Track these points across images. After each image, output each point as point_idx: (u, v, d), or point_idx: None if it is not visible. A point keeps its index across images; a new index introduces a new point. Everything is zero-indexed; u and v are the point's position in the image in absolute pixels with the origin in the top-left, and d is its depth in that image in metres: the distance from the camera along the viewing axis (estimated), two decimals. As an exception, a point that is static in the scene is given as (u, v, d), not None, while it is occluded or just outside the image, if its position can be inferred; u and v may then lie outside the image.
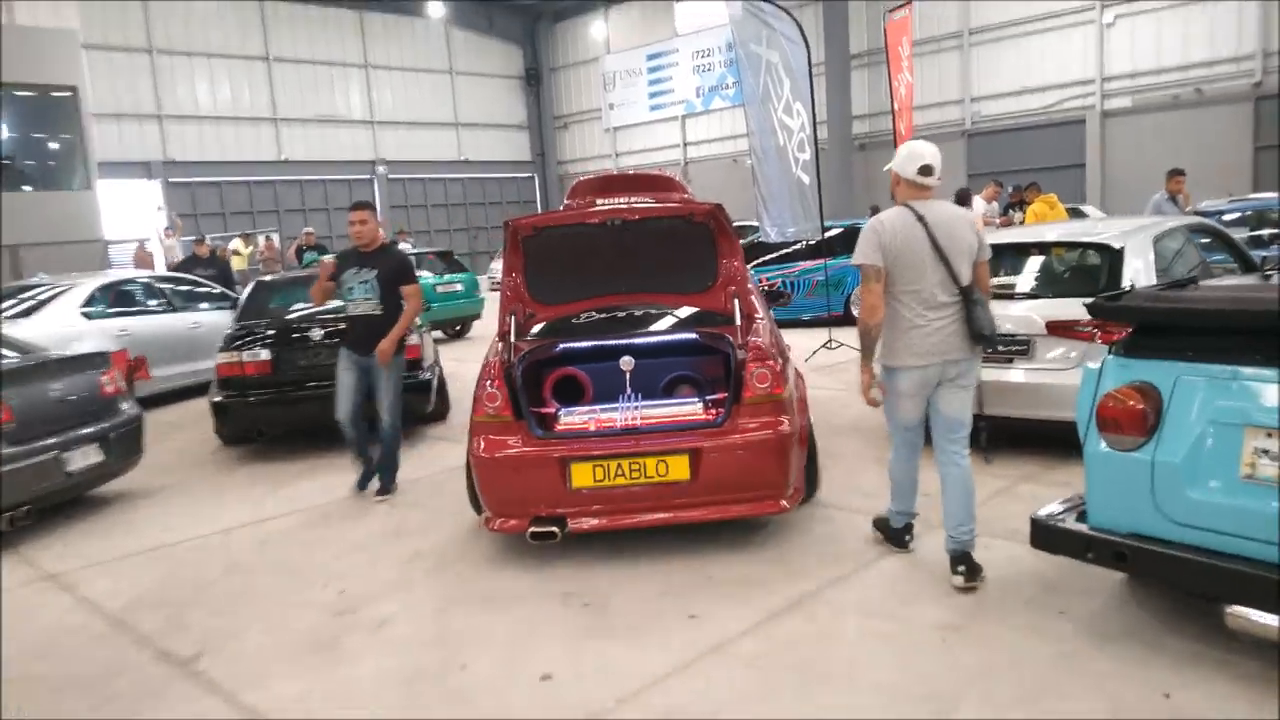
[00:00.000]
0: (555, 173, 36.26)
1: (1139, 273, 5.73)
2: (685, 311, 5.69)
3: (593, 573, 4.54)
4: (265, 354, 7.33)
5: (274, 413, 7.36)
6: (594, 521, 4.57)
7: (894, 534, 4.57)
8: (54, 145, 23.16)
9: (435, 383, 8.01)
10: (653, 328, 5.58)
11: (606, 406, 4.95)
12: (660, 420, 4.74)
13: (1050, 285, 6.20)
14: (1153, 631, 3.52)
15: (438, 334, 14.37)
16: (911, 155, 4.12)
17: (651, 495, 4.55)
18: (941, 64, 25.10)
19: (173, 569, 5.10)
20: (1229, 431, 3.06)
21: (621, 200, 5.79)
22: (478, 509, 5.06)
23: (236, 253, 22.89)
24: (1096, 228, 6.62)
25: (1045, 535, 3.50)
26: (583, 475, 4.51)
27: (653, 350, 5.33)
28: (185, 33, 27.79)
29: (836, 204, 24.26)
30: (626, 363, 5.01)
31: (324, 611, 4.31)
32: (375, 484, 6.28)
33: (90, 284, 10.05)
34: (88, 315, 9.75)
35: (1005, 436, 6.12)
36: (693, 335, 5.34)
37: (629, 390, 5.01)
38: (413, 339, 7.56)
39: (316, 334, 7.42)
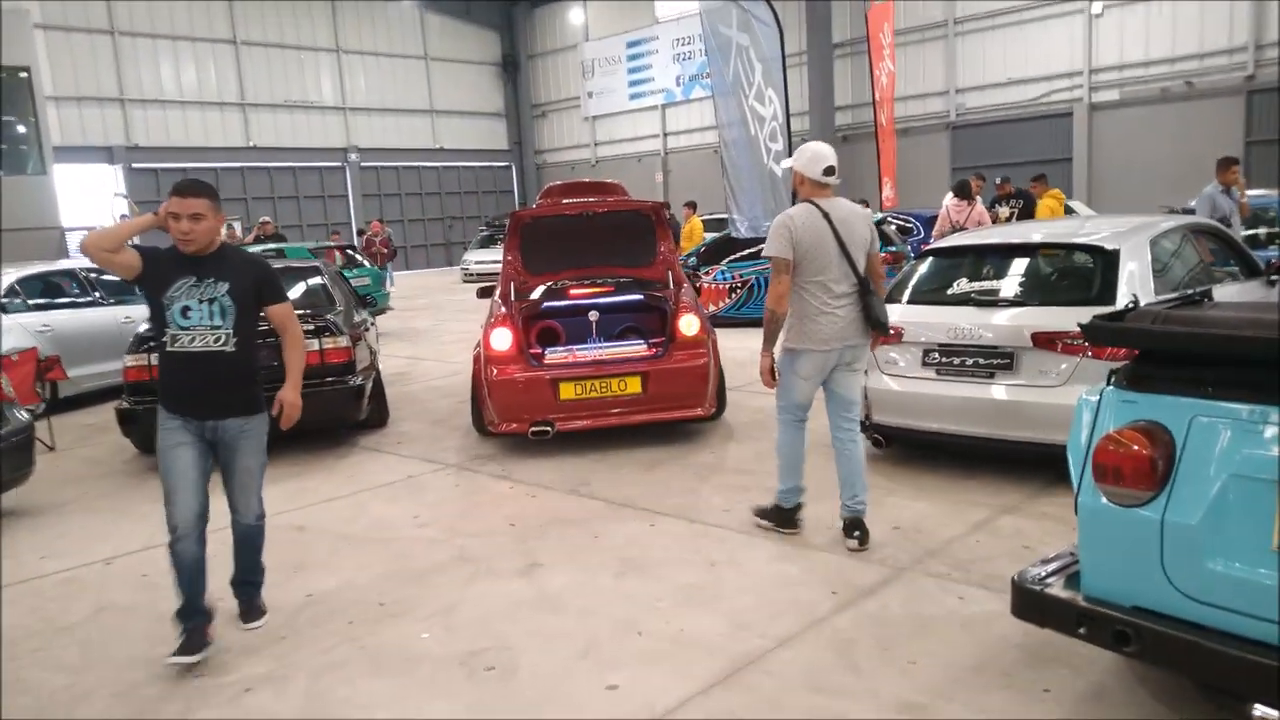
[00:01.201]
0: (533, 162, 35.51)
1: (1135, 277, 5.15)
2: (630, 279, 7.71)
3: (503, 633, 3.91)
4: (176, 357, 6.64)
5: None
6: (578, 424, 6.55)
7: (785, 515, 4.75)
8: (7, 129, 22.24)
9: (370, 387, 7.35)
10: (610, 291, 7.50)
11: (580, 346, 6.97)
12: (619, 355, 6.76)
13: (1037, 291, 5.60)
14: None
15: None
16: (816, 157, 4.50)
17: (616, 404, 6.55)
18: (926, 54, 24.49)
19: (35, 607, 4.45)
20: (1258, 488, 2.46)
21: (584, 199, 8.05)
22: (479, 426, 6.93)
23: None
24: (1087, 227, 6.02)
25: (1029, 604, 2.90)
26: (568, 390, 6.49)
27: (611, 307, 7.32)
28: (149, 13, 26.90)
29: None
30: (594, 315, 7.08)
31: (181, 674, 3.65)
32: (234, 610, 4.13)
33: (9, 276, 9.32)
34: (3, 310, 9.04)
35: (985, 460, 5.53)
36: (640, 296, 7.34)
37: (595, 334, 7.09)
38: (341, 340, 6.92)
39: (234, 335, 6.73)
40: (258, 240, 17.36)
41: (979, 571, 4.11)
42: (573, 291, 7.49)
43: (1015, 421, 5.16)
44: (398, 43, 32.41)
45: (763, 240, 12.02)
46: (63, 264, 10.38)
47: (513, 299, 7.29)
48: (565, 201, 8.07)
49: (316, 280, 7.82)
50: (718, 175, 14.08)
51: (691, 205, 16.29)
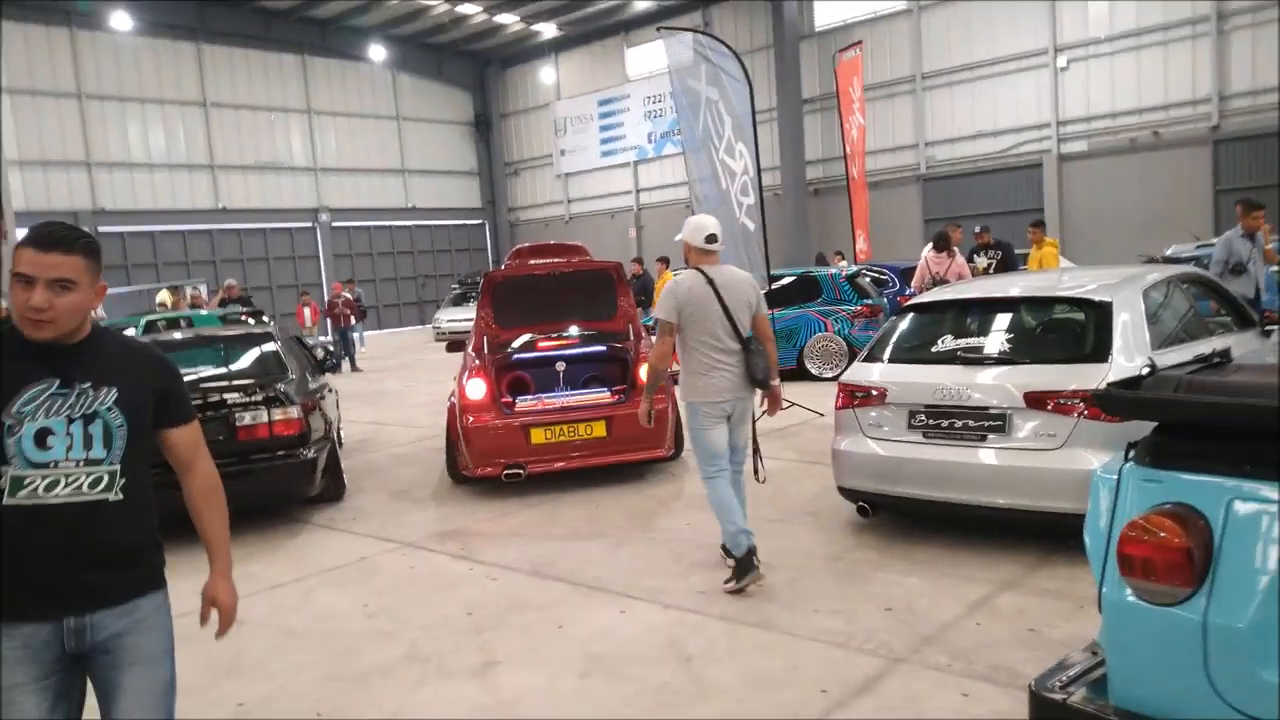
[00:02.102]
0: (506, 219, 35.36)
1: (1129, 329, 4.85)
2: (594, 332, 8.26)
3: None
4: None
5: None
6: (549, 465, 7.04)
7: (743, 564, 4.69)
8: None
9: (324, 459, 6.91)
10: (576, 344, 8.10)
11: (548, 394, 7.56)
12: (585, 402, 7.29)
13: (1026, 347, 5.29)
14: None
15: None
16: (698, 227, 4.91)
17: (583, 447, 7.06)
18: (895, 108, 24.64)
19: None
20: (1316, 585, 2.10)
21: (549, 260, 8.64)
22: (453, 473, 7.40)
23: (162, 305, 21.65)
24: (1073, 279, 5.74)
25: (1053, 717, 2.51)
26: (539, 435, 6.99)
27: (576, 358, 7.95)
28: (117, 76, 26.68)
29: (791, 250, 23.61)
30: (560, 366, 7.74)
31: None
32: None
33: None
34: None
35: (977, 529, 5.16)
36: (603, 347, 8.00)
37: (562, 384, 7.71)
38: (291, 411, 6.50)
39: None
40: (223, 304, 16.94)
41: (982, 661, 3.72)
42: (541, 344, 7.98)
43: (1009, 487, 4.81)
44: (369, 103, 32.32)
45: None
46: None
47: (485, 351, 7.75)
48: (533, 262, 8.64)
49: (269, 346, 7.40)
50: (690, 230, 13.89)
51: (664, 260, 16.06)
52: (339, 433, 9.69)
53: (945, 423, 5.04)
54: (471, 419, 7.02)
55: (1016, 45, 22.22)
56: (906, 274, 14.93)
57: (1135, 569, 2.34)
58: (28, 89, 25.01)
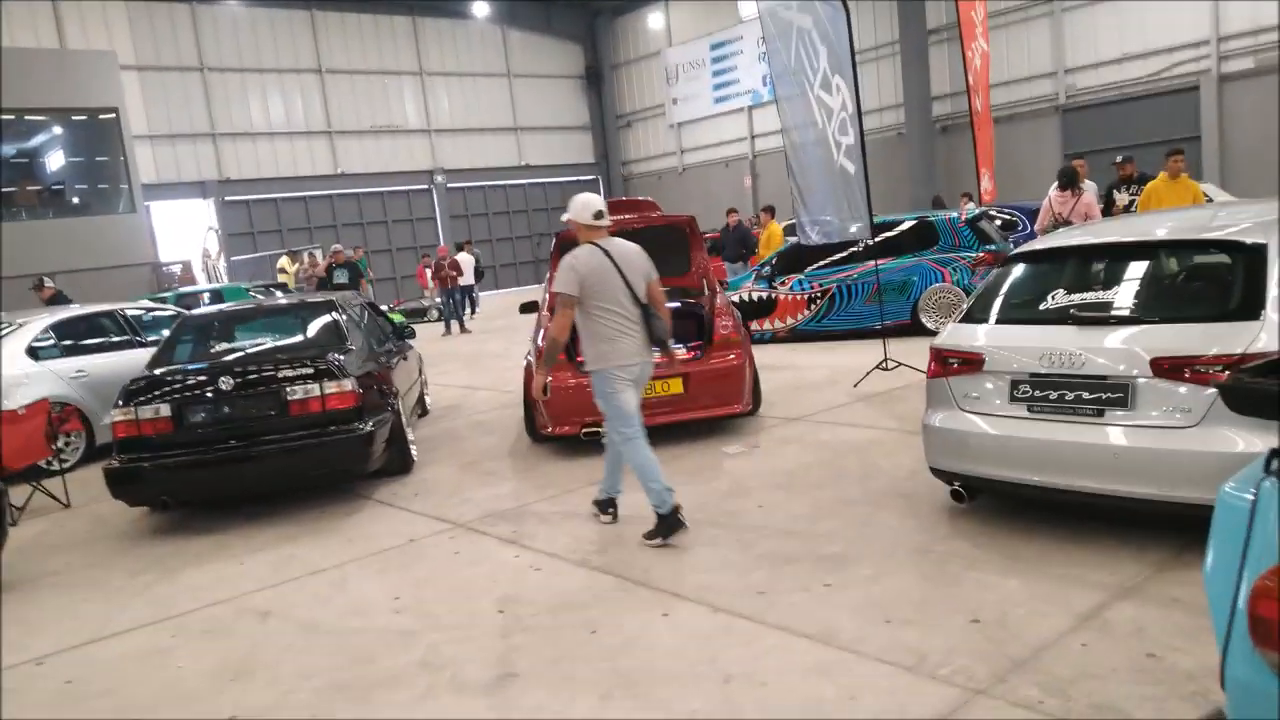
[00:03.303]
0: (620, 173, 34.80)
1: (1289, 280, 3.91)
2: (668, 288, 7.28)
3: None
4: (166, 410, 6.03)
5: (176, 480, 6.05)
6: None
7: (668, 522, 4.93)
8: (98, 169, 22.79)
9: (386, 432, 6.59)
10: None
11: None
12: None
13: (1158, 304, 4.39)
14: None
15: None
16: (585, 205, 5.13)
17: (661, 404, 6.78)
18: (1029, 33, 22.67)
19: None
20: None
21: (619, 216, 7.82)
22: (531, 432, 7.50)
23: (283, 270, 22.17)
24: (1222, 217, 4.75)
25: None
26: None
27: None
28: (236, 48, 27.33)
29: (918, 195, 22.26)
30: None
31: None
32: None
33: (40, 322, 8.99)
34: (36, 356, 8.71)
35: (1096, 520, 4.37)
36: (678, 304, 7.47)
37: None
38: (345, 384, 6.19)
39: (226, 383, 6.09)
40: (329, 269, 17.09)
41: (1083, 698, 3.00)
42: None
43: (1133, 473, 3.99)
44: (480, 61, 32.21)
45: (837, 247, 11.03)
46: (105, 305, 10.02)
47: None
48: None
49: (328, 316, 7.11)
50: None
51: (770, 210, 15.18)
52: (424, 399, 9.48)
53: (1055, 394, 4.24)
54: (550, 378, 6.78)
55: (1168, -46, 20.01)
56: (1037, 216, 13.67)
57: (1273, 637, 1.63)
58: (154, 65, 25.88)
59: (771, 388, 8.84)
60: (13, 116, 20.47)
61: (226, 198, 27.26)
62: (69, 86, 21.04)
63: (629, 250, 5.17)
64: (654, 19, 32.34)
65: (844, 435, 6.84)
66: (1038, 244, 5.11)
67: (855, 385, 8.53)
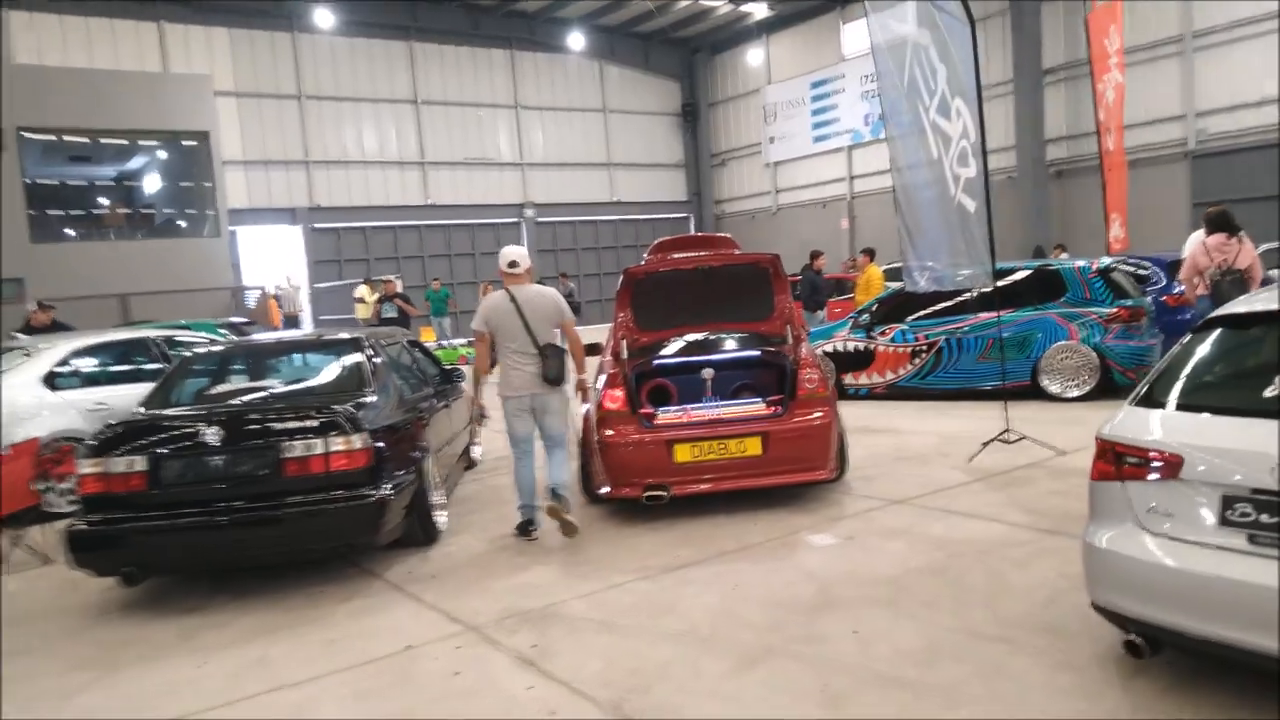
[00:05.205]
0: (711, 212, 33.80)
1: None
2: (746, 334, 7.27)
3: None
4: (140, 463, 5.09)
5: (147, 549, 5.09)
6: (696, 487, 6.10)
7: (522, 528, 6.01)
8: (189, 193, 22.85)
9: (405, 499, 5.56)
10: (725, 348, 7.13)
11: (694, 405, 6.53)
12: (736, 414, 6.29)
13: None
14: None
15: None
16: (504, 255, 5.99)
17: (734, 467, 6.11)
18: (1156, 74, 20.85)
19: None
20: None
21: (695, 253, 7.53)
22: (587, 491, 6.53)
23: (361, 300, 21.63)
24: None
25: None
26: (684, 453, 6.08)
27: (726, 364, 6.95)
28: (334, 78, 27.38)
29: (1027, 240, 20.58)
30: (708, 373, 6.75)
31: None
32: None
33: (62, 347, 8.30)
34: (55, 385, 8.01)
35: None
36: (757, 352, 6.92)
37: (710, 393, 6.72)
38: (354, 440, 5.18)
39: (213, 435, 5.13)
40: (381, 301, 16.40)
41: None
42: (686, 348, 7.16)
43: None
44: (576, 96, 31.74)
45: (948, 295, 9.68)
46: (139, 332, 9.33)
47: (625, 355, 6.85)
48: (677, 256, 7.54)
49: (351, 357, 6.14)
50: (902, 218, 11.64)
51: (869, 252, 13.87)
52: (471, 450, 8.49)
53: (1293, 522, 2.92)
54: (610, 432, 6.21)
55: (1320, -12, 18.13)
56: (1176, 268, 12.04)
57: None
58: (253, 92, 26.04)
59: (868, 455, 7.58)
60: (103, 140, 20.66)
61: (315, 225, 27.18)
62: (163, 109, 21.15)
63: (535, 296, 5.90)
64: (754, 56, 31.43)
65: (961, 529, 5.52)
66: (1242, 305, 3.76)
67: (970, 460, 7.18)
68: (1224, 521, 3.09)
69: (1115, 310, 9.49)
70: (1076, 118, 22.29)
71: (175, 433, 5.23)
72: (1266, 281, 8.84)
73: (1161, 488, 3.26)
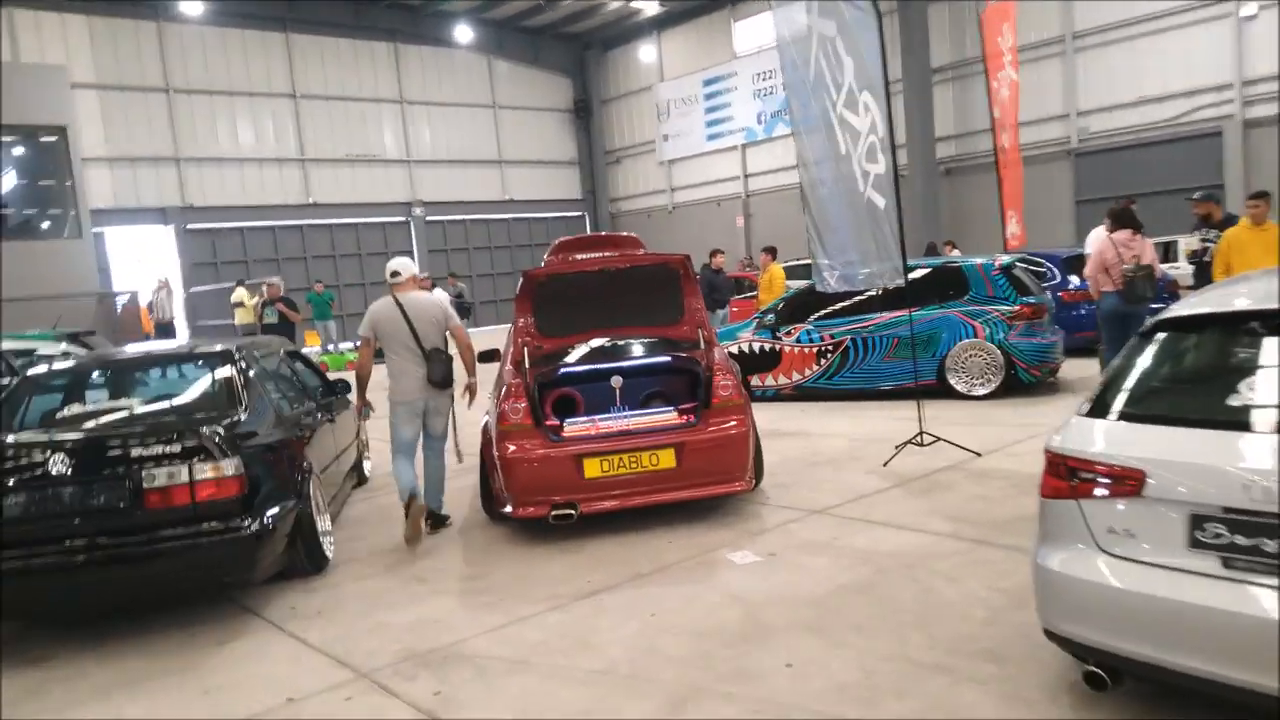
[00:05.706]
0: (607, 211, 33.48)
1: None
2: (656, 340, 6.83)
3: None
4: (-32, 499, 4.40)
5: (-20, 597, 4.41)
6: (606, 504, 5.75)
7: (406, 508, 5.97)
8: (46, 192, 21.20)
9: (285, 528, 4.99)
10: (634, 354, 6.68)
11: (603, 416, 6.14)
12: (648, 424, 5.98)
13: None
14: None
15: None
16: (389, 266, 6.28)
17: (647, 481, 5.78)
18: (1041, 74, 21.47)
19: None
20: None
21: (598, 254, 7.15)
22: (488, 509, 6.27)
23: (239, 304, 20.44)
24: None
25: None
26: (593, 468, 5.73)
27: (635, 371, 6.54)
28: (205, 70, 25.91)
29: (919, 238, 20.87)
30: (616, 381, 6.26)
31: None
32: None
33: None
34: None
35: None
36: (668, 358, 6.54)
37: (619, 403, 6.24)
38: (224, 466, 4.60)
39: (61, 464, 4.47)
40: (264, 305, 15.51)
41: None
42: (591, 355, 6.68)
43: None
44: (464, 91, 30.91)
45: (857, 293, 9.52)
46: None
47: (526, 364, 6.37)
48: (579, 257, 7.10)
49: (221, 371, 5.50)
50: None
51: (771, 251, 13.69)
52: (363, 465, 7.91)
53: (1269, 542, 2.70)
54: (513, 447, 5.75)
55: (1189, -5, 18.96)
56: (1069, 264, 12.26)
57: None
58: (116, 84, 24.41)
59: (780, 460, 7.33)
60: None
61: (189, 225, 25.69)
62: (15, 102, 19.48)
63: (422, 303, 6.16)
64: (646, 52, 31.25)
65: (886, 541, 5.27)
66: (1189, 306, 3.55)
67: (885, 464, 6.99)
68: (1193, 543, 2.86)
69: (1019, 307, 9.49)
70: (963, 117, 22.82)
71: (19, 461, 4.54)
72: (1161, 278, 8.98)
73: (1123, 506, 3.01)
